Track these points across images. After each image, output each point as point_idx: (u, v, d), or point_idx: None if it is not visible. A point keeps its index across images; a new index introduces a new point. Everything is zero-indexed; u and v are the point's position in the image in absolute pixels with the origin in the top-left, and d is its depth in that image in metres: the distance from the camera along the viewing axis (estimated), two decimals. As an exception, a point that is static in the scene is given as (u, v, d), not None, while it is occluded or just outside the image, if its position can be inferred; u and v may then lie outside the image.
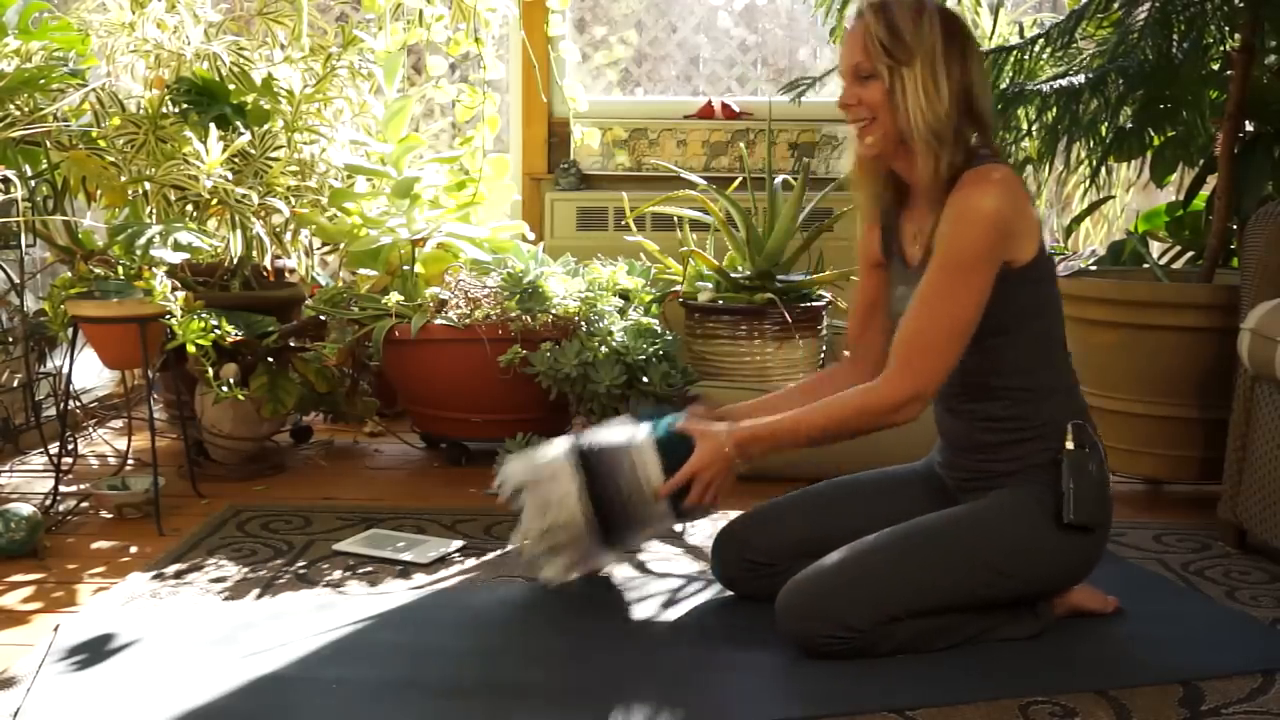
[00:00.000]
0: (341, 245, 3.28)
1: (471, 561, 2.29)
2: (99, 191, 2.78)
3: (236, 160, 2.84)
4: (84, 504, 2.66)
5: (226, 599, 2.07)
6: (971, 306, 1.80)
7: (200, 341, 2.57)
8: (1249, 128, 2.91)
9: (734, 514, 2.16)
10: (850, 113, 1.88)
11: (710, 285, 3.21)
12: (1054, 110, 2.88)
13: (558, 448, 2.00)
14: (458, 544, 2.37)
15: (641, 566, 2.26)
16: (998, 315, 1.83)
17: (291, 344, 3.06)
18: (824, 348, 3.30)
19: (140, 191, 2.74)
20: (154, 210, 2.72)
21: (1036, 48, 2.99)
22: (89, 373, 3.34)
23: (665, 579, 2.18)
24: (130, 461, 2.95)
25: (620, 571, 2.23)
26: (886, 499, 2.03)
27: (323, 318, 3.16)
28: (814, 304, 3.17)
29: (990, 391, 1.89)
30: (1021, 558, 1.85)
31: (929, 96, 1.80)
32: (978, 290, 1.79)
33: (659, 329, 3.00)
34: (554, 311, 2.90)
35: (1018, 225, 1.81)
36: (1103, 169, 3.05)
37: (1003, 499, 1.88)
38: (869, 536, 1.86)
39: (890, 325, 2.01)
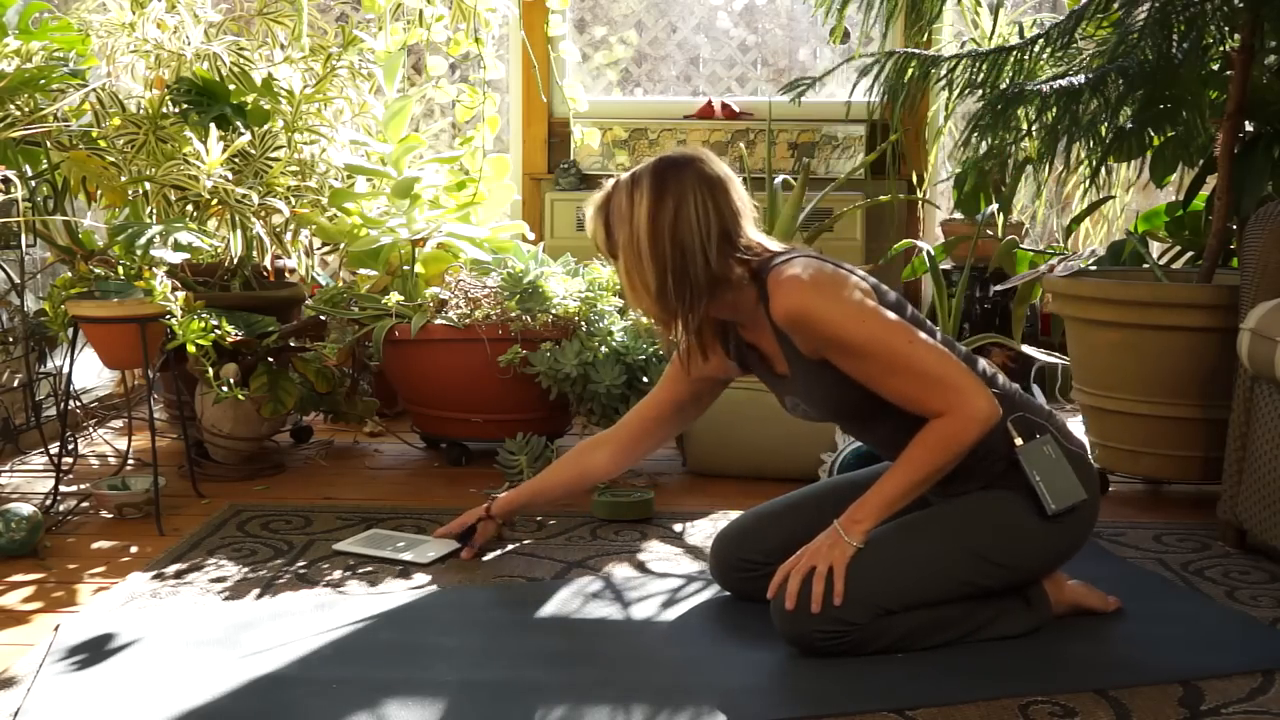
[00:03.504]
0: (341, 245, 3.28)
1: (471, 561, 2.29)
2: (99, 191, 2.78)
3: (236, 160, 2.84)
4: (84, 504, 2.66)
5: (226, 599, 2.07)
6: (911, 336, 1.81)
7: (200, 341, 2.57)
8: (1249, 128, 2.91)
9: (733, 514, 2.16)
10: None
11: (710, 285, 3.21)
12: (1054, 110, 2.87)
13: None
14: (458, 544, 2.37)
15: (641, 566, 2.26)
16: (868, 399, 1.85)
17: (291, 344, 3.06)
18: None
19: (140, 191, 2.74)
20: (154, 210, 2.72)
21: (1036, 48, 2.99)
22: (89, 373, 3.34)
23: (665, 579, 2.18)
24: (130, 461, 2.95)
25: (620, 571, 2.23)
26: None
27: (323, 318, 3.17)
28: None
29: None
30: (1010, 545, 1.86)
31: (632, 276, 1.84)
32: (896, 325, 1.81)
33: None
34: (554, 311, 2.90)
35: (843, 290, 1.82)
36: (1103, 169, 3.05)
37: (985, 495, 1.88)
38: None
39: (684, 426, 2.22)
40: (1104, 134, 2.95)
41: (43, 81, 2.62)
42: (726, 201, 1.84)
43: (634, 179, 1.85)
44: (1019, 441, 1.86)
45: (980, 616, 1.86)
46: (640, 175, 1.85)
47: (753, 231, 1.88)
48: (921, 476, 1.82)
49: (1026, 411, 1.90)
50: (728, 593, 2.09)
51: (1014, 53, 3.02)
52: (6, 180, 2.55)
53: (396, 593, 2.11)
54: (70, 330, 2.59)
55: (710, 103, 4.27)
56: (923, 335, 1.84)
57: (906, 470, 1.82)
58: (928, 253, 3.85)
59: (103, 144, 2.72)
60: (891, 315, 1.82)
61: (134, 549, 2.38)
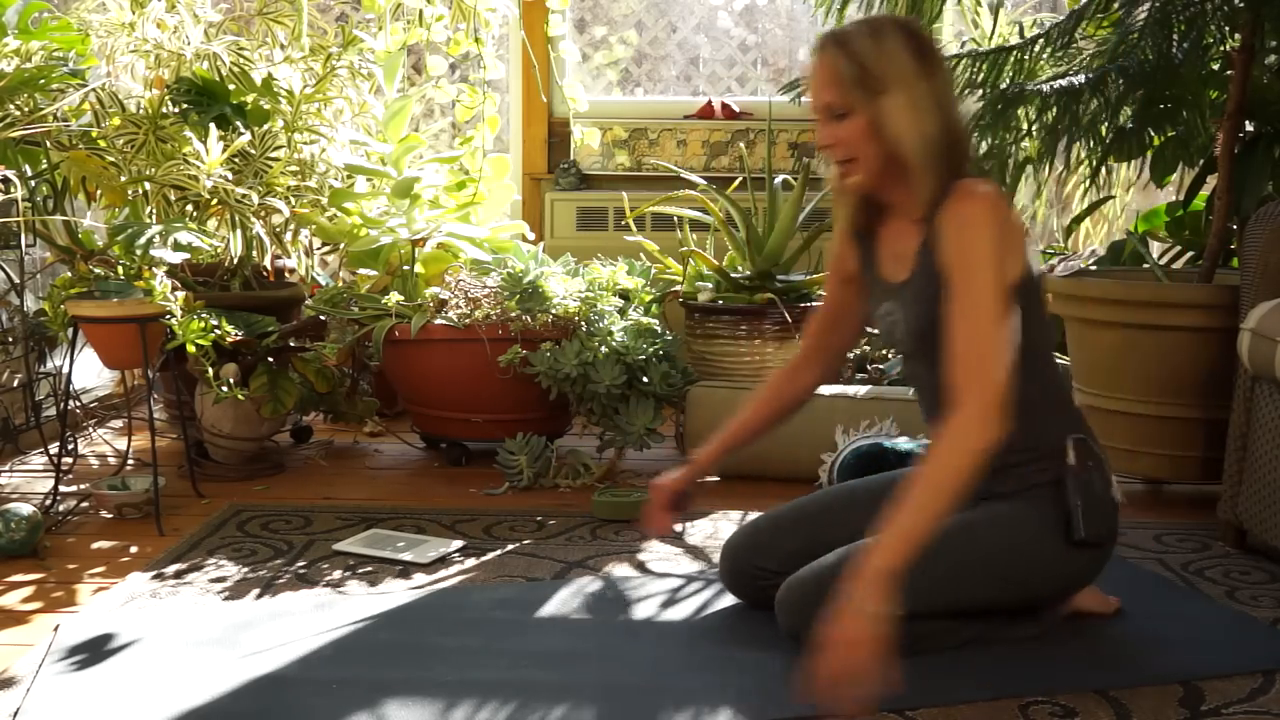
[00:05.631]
0: (341, 245, 3.29)
1: (471, 561, 2.29)
2: (99, 191, 2.78)
3: (236, 160, 2.84)
4: (84, 504, 2.66)
5: (226, 599, 2.07)
6: (1004, 307, 1.73)
7: (200, 341, 2.57)
8: (1249, 128, 2.91)
9: (734, 514, 2.15)
10: (830, 153, 1.82)
11: (710, 285, 3.21)
12: (1054, 110, 2.87)
13: None
14: (458, 544, 2.37)
15: (641, 566, 2.26)
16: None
17: (291, 344, 3.06)
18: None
19: (140, 191, 2.74)
20: (154, 210, 2.72)
21: (1036, 48, 2.99)
22: (89, 373, 3.34)
23: (665, 579, 2.18)
24: (130, 461, 2.95)
25: (620, 571, 2.23)
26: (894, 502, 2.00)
27: (323, 318, 3.17)
28: (814, 304, 3.17)
29: None
30: (1025, 568, 1.84)
31: (917, 118, 1.75)
32: (1003, 291, 1.73)
33: (659, 329, 3.00)
34: (554, 311, 2.90)
35: (1009, 239, 1.76)
36: (1103, 169, 3.05)
37: (1010, 508, 1.85)
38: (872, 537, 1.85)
39: (856, 336, 2.10)
40: (1104, 134, 2.95)
41: (42, 81, 2.62)
42: (950, 76, 1.84)
43: (873, 28, 1.78)
44: (1072, 462, 1.82)
45: (982, 627, 1.85)
46: (879, 27, 1.78)
47: None
48: (939, 512, 1.64)
49: (1090, 440, 1.86)
50: (738, 600, 2.06)
51: (1014, 53, 3.02)
52: (6, 180, 2.55)
53: (396, 593, 2.11)
54: (70, 330, 2.58)
55: (710, 102, 4.27)
56: (1013, 318, 1.74)
57: (925, 504, 1.64)
58: (928, 253, 3.85)
59: (102, 144, 2.72)
60: (1002, 291, 1.72)
61: (134, 549, 2.38)
